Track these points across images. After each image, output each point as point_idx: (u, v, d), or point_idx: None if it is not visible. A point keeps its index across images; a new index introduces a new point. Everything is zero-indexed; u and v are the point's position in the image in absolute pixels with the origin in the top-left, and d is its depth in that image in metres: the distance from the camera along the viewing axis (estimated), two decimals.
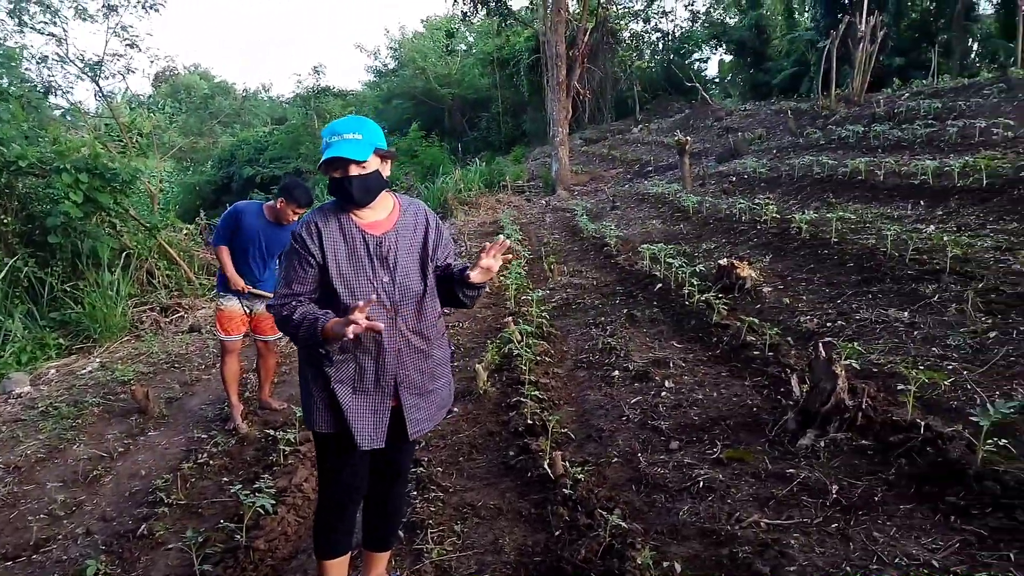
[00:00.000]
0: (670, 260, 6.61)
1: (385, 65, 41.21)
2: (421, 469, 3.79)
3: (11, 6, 12.95)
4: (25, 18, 13.29)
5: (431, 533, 3.13)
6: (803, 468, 3.10)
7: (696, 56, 35.84)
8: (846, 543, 2.55)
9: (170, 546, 3.43)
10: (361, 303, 2.06)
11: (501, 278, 7.55)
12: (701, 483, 3.17)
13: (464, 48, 38.45)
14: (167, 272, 10.32)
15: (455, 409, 4.60)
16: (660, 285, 6.54)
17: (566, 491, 3.17)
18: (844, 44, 16.56)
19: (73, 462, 4.63)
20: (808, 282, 5.82)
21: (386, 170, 2.36)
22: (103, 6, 13.85)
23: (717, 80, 37.73)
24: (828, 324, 4.85)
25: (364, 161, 2.22)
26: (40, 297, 8.61)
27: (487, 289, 7.77)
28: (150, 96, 35.28)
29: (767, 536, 2.64)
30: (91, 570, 3.18)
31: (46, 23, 13.58)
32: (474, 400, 4.76)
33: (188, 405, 5.59)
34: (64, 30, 13.75)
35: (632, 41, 34.64)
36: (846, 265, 5.83)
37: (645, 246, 7.46)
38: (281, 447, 4.16)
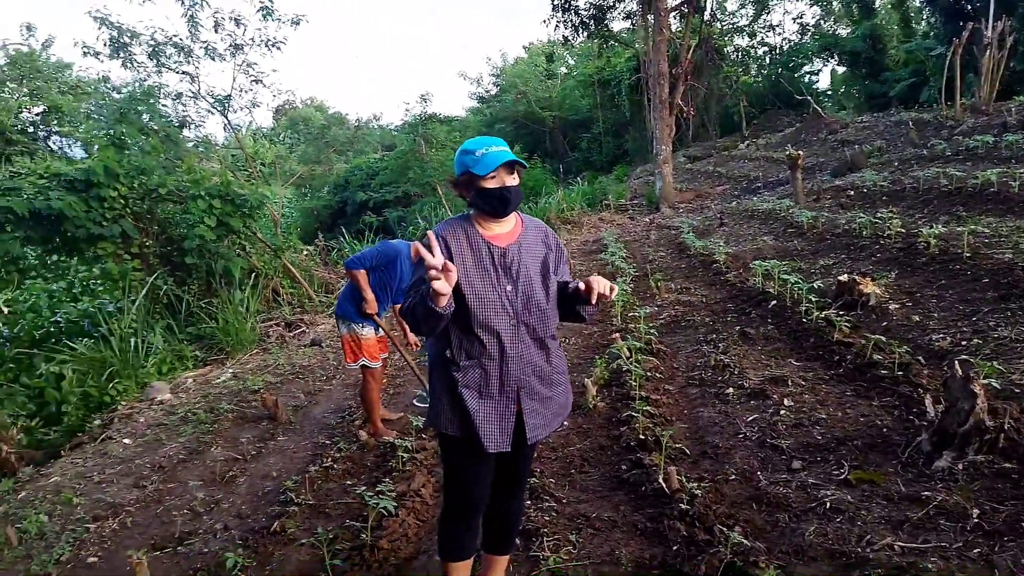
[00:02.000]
0: (785, 276, 6.40)
1: (488, 91, 42.20)
2: (534, 479, 3.84)
3: (151, 49, 14.14)
4: (163, 59, 14.47)
5: (547, 541, 3.17)
6: (940, 491, 2.94)
7: (806, 68, 34.53)
8: (991, 569, 2.39)
9: (301, 542, 3.64)
10: (433, 254, 2.12)
11: None
12: (828, 504, 3.06)
13: (564, 71, 38.82)
14: (290, 290, 10.96)
15: (565, 422, 4.64)
16: (775, 302, 6.34)
17: (683, 506, 3.14)
18: (968, 51, 15.55)
19: (211, 463, 4.99)
20: (939, 299, 5.49)
21: None
22: (230, 45, 14.88)
23: (829, 92, 36.16)
24: (963, 342, 4.55)
25: (516, 171, 2.37)
26: (178, 313, 9.35)
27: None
28: (272, 128, 37.73)
29: (902, 560, 2.52)
30: (230, 563, 3.43)
31: (180, 62, 14.74)
32: (584, 414, 4.78)
33: (312, 413, 5.91)
34: (196, 68, 14.86)
35: (737, 56, 33.86)
36: (981, 281, 5.46)
37: (757, 262, 7.25)
38: (400, 453, 4.33)
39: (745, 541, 2.78)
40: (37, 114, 29.63)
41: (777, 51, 34.54)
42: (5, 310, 6.53)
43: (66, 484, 4.81)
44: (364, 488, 3.82)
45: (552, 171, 28.44)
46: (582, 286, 2.34)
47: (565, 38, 23.15)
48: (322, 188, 27.21)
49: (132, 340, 7.79)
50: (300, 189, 27.47)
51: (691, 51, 21.26)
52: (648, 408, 4.36)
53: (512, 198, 2.36)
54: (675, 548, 2.94)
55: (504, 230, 2.47)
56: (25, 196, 8.37)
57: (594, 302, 2.33)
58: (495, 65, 41.99)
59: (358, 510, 3.82)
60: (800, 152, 13.14)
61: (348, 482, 4.35)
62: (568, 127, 36.18)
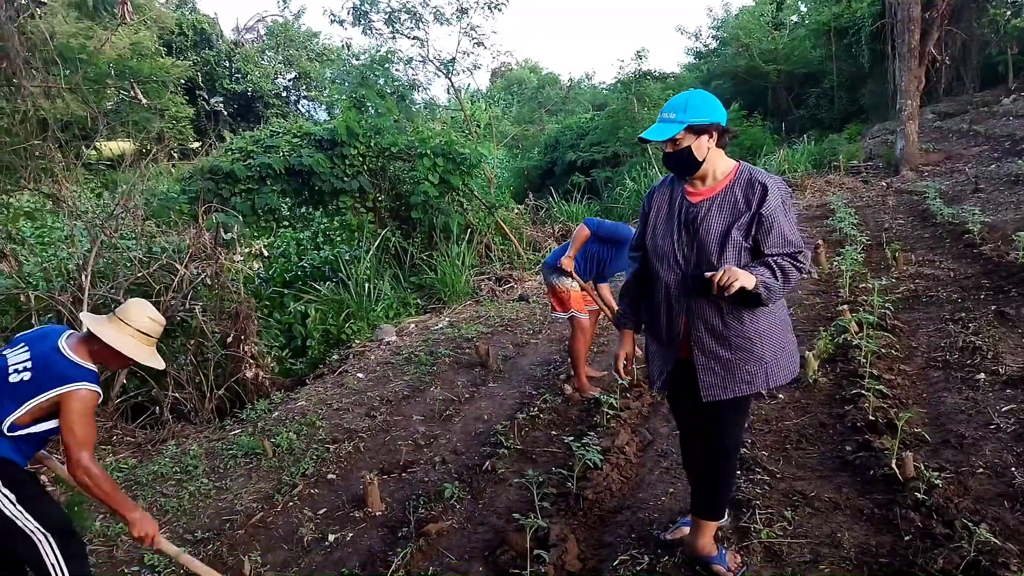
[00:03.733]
0: None
1: (706, 46, 40.04)
2: (744, 450, 3.68)
3: (387, 16, 15.14)
4: (397, 25, 15.43)
5: (759, 514, 3.04)
6: None
7: None
8: None
9: (510, 483, 3.84)
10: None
11: (835, 263, 6.95)
12: None
13: (795, 19, 35.69)
14: (501, 247, 11.41)
15: (780, 396, 4.39)
16: None
17: (919, 495, 2.85)
18: None
19: (431, 401, 5.40)
20: None
21: (705, 144, 2.38)
22: (456, 9, 15.47)
23: None
24: None
25: (672, 139, 2.38)
26: (403, 264, 10.16)
27: (814, 275, 7.20)
28: (488, 90, 39.13)
29: None
30: (448, 492, 3.72)
31: (412, 28, 15.63)
32: (802, 388, 4.48)
33: (520, 364, 6.15)
34: (425, 33, 15.64)
35: None
36: None
37: (1022, 234, 6.26)
38: (604, 410, 4.36)
39: (993, 539, 2.47)
40: (290, 79, 33.43)
41: None
42: (266, 253, 7.49)
43: (310, 409, 5.47)
44: (571, 438, 3.92)
45: (773, 129, 26.53)
46: (708, 274, 2.30)
47: None
48: (533, 148, 27.68)
49: (365, 286, 8.62)
50: (512, 150, 28.25)
51: None
52: (880, 387, 3.97)
53: (669, 165, 2.46)
54: (907, 539, 2.68)
55: (707, 186, 2.46)
56: (281, 154, 9.51)
57: (715, 292, 2.26)
58: (716, 17, 39.72)
59: (563, 459, 3.94)
60: None
61: (553, 432, 4.49)
62: (794, 82, 33.36)
